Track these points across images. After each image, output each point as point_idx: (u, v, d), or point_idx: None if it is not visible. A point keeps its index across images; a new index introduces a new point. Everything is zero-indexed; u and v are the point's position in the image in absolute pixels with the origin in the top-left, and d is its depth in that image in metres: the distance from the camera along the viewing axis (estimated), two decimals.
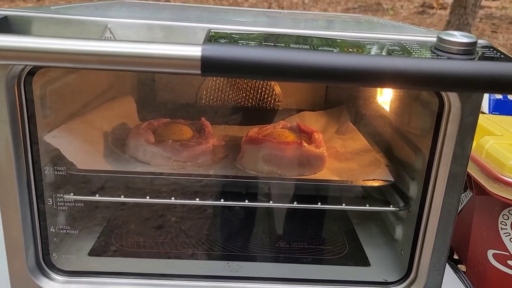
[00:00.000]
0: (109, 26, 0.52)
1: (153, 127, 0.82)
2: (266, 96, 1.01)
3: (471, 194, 0.84)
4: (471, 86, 0.46)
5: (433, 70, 0.45)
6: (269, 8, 6.68)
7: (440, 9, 6.79)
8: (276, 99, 1.02)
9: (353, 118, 0.96)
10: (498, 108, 1.05)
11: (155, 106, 1.00)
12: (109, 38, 0.52)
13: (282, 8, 6.72)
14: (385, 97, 0.85)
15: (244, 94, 1.01)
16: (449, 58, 0.47)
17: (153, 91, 1.02)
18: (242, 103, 1.02)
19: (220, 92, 1.01)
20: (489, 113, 1.05)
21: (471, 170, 0.79)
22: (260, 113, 1.02)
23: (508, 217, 0.77)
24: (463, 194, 0.86)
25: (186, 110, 1.00)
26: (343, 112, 0.97)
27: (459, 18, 4.34)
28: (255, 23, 0.65)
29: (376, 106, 0.89)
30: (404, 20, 6.26)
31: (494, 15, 6.48)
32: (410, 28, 0.70)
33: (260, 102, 1.02)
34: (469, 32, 4.39)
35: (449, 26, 4.41)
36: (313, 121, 0.96)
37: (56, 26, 0.51)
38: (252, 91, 1.01)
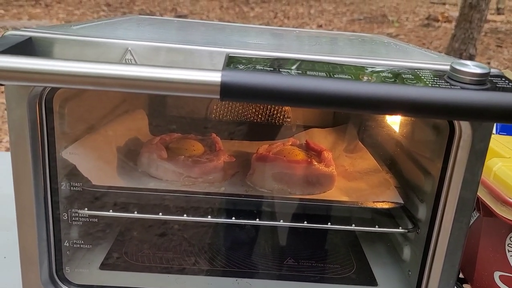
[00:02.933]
0: (129, 48, 0.53)
1: (165, 142, 0.83)
2: (275, 112, 1.03)
3: (478, 214, 0.84)
4: (483, 116, 0.47)
5: (447, 100, 0.46)
6: (274, 18, 6.73)
7: (445, 22, 6.83)
8: (285, 115, 1.03)
9: (362, 136, 0.97)
10: (506, 128, 1.05)
11: (166, 120, 1.02)
12: (129, 60, 0.53)
13: (288, 18, 6.77)
14: (395, 118, 0.86)
15: (253, 110, 1.03)
16: (462, 88, 0.48)
17: (164, 104, 1.03)
18: (252, 118, 1.03)
19: (230, 107, 1.03)
20: (496, 133, 1.05)
21: (479, 191, 0.80)
22: (269, 129, 1.03)
23: None
24: None
25: (196, 124, 1.02)
26: (351, 130, 0.98)
27: (464, 32, 4.37)
28: (270, 46, 0.67)
29: (385, 126, 0.90)
30: (409, 32, 6.29)
31: (499, 30, 6.50)
32: (421, 53, 0.71)
33: (270, 118, 1.03)
34: (474, 46, 4.41)
35: (454, 40, 4.44)
36: (321, 138, 0.97)
37: (79, 48, 0.53)
38: (262, 107, 1.02)
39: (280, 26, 6.29)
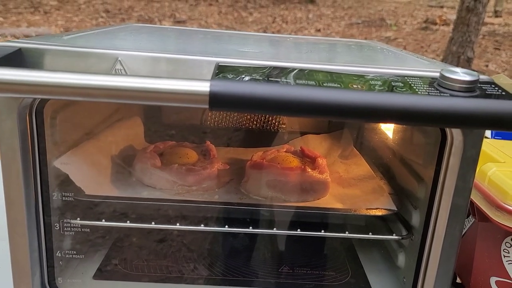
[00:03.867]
0: (119, 58, 0.53)
1: (159, 150, 0.83)
2: (270, 118, 1.03)
3: (474, 220, 0.84)
4: (473, 123, 0.47)
5: (436, 107, 0.46)
6: (273, 22, 6.75)
7: (443, 25, 6.85)
8: (281, 122, 1.03)
9: (356, 142, 0.97)
10: (501, 133, 1.05)
11: (161, 127, 1.02)
12: (119, 71, 0.53)
13: (286, 23, 6.79)
14: (389, 124, 0.85)
15: (249, 116, 1.03)
16: (451, 95, 0.48)
17: (159, 112, 1.03)
18: (247, 125, 1.03)
19: (225, 114, 1.03)
20: (491, 138, 1.05)
21: (474, 196, 0.80)
22: (264, 135, 1.03)
23: (511, 245, 0.77)
24: (465, 220, 0.87)
25: (192, 131, 1.02)
26: (346, 136, 0.98)
27: (462, 35, 4.38)
28: (261, 54, 0.67)
29: (379, 132, 0.90)
30: (408, 35, 6.31)
31: (497, 32, 6.52)
32: (413, 59, 0.71)
33: (264, 125, 1.03)
34: (472, 49, 4.42)
35: (452, 43, 4.45)
36: (316, 144, 0.97)
37: (69, 59, 0.53)
38: (256, 114, 1.02)
39: (279, 31, 6.30)
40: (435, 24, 6.92)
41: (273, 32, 6.12)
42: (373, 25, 6.92)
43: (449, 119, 0.46)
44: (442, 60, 4.32)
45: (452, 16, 6.10)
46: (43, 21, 5.78)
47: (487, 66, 5.02)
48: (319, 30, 6.48)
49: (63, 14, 6.21)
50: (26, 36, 4.81)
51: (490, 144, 0.93)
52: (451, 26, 5.02)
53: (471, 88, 0.48)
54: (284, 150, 0.88)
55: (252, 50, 0.70)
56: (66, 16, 6.11)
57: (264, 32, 6.04)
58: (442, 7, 8.25)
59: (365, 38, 5.94)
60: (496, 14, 7.59)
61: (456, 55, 4.39)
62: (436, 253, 0.61)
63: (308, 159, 0.85)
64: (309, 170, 0.77)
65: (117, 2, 7.10)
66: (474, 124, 0.47)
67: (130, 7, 6.90)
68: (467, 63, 4.36)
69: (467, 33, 4.32)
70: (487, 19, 5.89)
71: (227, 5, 7.61)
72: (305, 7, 7.89)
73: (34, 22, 5.69)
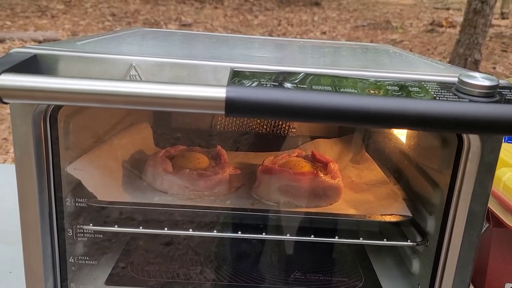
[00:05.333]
0: (133, 64, 0.53)
1: (170, 155, 0.83)
2: (280, 123, 1.02)
3: (488, 225, 0.83)
4: (493, 129, 0.46)
5: (455, 113, 0.45)
6: (278, 25, 6.75)
7: (449, 27, 6.82)
8: (291, 126, 1.03)
9: (368, 147, 0.96)
10: None
11: (171, 132, 1.01)
12: (134, 76, 0.53)
13: (292, 26, 6.79)
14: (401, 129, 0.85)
15: (258, 121, 1.02)
16: (470, 101, 0.47)
17: (168, 116, 1.03)
18: (257, 129, 1.03)
19: (235, 119, 1.02)
20: (504, 142, 1.04)
21: (488, 202, 0.79)
22: (274, 140, 1.02)
23: None
24: None
25: (201, 136, 1.01)
26: (357, 140, 0.97)
27: (469, 37, 4.35)
28: (274, 59, 0.66)
29: (392, 137, 0.89)
30: (414, 38, 6.29)
31: (504, 34, 6.48)
32: (427, 64, 0.70)
33: (275, 129, 1.03)
34: (479, 51, 4.39)
35: (459, 45, 4.43)
36: (327, 148, 0.97)
37: (84, 64, 0.53)
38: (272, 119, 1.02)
39: (284, 33, 6.30)
40: (441, 26, 6.89)
41: (278, 35, 6.13)
42: (378, 27, 6.90)
43: (469, 125, 0.45)
44: (449, 63, 4.30)
45: (458, 18, 6.08)
46: (50, 25, 5.82)
47: (494, 68, 4.99)
48: (324, 33, 6.48)
49: (70, 18, 6.25)
50: (34, 40, 4.85)
51: (504, 149, 0.92)
52: (457, 28, 5.01)
53: (490, 93, 0.48)
54: (295, 154, 0.88)
55: (266, 54, 0.69)
56: (73, 20, 6.14)
57: (270, 35, 6.05)
58: (448, 9, 8.22)
59: (371, 41, 5.93)
60: (503, 16, 7.55)
61: (463, 57, 4.37)
62: (453, 260, 0.60)
63: (319, 163, 0.85)
64: (322, 175, 0.77)
65: (123, 5, 7.14)
66: (495, 130, 0.46)
67: (136, 11, 6.93)
68: (474, 66, 4.33)
69: (474, 35, 4.30)
70: (493, 21, 5.86)
71: (233, 8, 7.62)
72: (310, 10, 7.89)
73: (41, 26, 5.73)
